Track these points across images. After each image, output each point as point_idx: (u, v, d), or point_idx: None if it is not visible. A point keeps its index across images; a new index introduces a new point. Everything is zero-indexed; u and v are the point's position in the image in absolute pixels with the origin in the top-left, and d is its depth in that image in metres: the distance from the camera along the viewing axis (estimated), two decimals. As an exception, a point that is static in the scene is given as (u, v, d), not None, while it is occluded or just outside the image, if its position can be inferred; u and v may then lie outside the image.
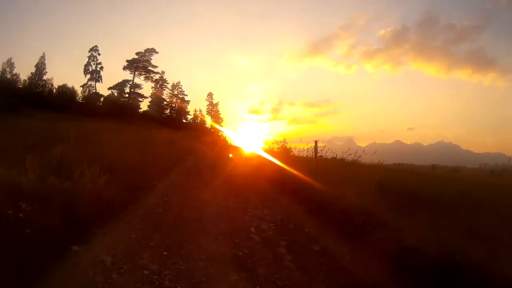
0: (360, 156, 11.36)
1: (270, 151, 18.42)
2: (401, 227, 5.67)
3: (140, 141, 17.89)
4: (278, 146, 18.01)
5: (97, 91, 62.00)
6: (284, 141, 17.42)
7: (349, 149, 12.02)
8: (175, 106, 68.42)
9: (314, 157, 11.88)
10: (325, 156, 12.71)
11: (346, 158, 12.40)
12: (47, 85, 56.33)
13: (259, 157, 18.97)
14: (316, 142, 11.99)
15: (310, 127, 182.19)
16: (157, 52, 66.59)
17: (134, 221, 6.46)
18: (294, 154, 16.64)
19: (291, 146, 17.10)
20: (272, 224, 7.19)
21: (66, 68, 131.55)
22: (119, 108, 55.57)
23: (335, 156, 12.63)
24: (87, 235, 5.37)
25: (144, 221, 6.55)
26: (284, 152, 16.67)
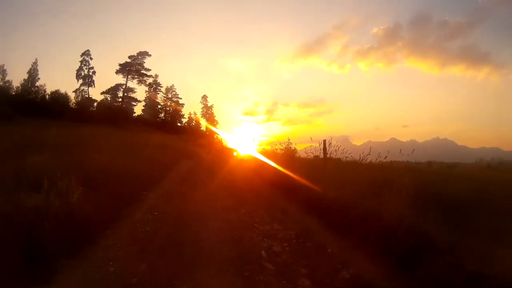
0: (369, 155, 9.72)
1: (272, 153, 17.04)
2: (456, 245, 4.43)
3: (132, 146, 16.47)
4: (281, 147, 16.18)
5: (90, 96, 60.85)
6: (289, 142, 15.60)
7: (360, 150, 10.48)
8: (170, 109, 67.33)
9: (323, 158, 10.70)
10: (336, 157, 11.06)
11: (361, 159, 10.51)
12: (40, 92, 54.96)
13: (259, 160, 17.75)
14: (324, 141, 10.71)
15: (305, 127, 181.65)
16: (150, 55, 64.50)
17: (115, 246, 5.16)
18: (300, 156, 15.35)
19: (296, 147, 15.80)
20: (286, 244, 5.94)
21: (59, 73, 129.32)
22: (113, 112, 54.30)
23: (349, 155, 10.76)
24: (51, 271, 4.09)
25: (128, 245, 5.25)
26: (288, 154, 15.12)
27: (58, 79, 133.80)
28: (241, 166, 19.34)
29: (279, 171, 12.36)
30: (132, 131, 29.89)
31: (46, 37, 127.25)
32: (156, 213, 7.37)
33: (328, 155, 10.75)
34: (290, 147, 15.43)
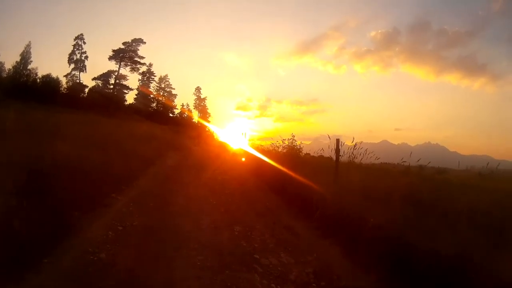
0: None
1: (270, 150, 15.05)
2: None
3: (114, 135, 15.27)
4: (283, 143, 13.79)
5: (81, 81, 57.77)
6: (293, 138, 13.30)
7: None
8: (162, 99, 66.29)
9: (335, 161, 8.90)
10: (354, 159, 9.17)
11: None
12: (32, 75, 52.19)
13: (253, 156, 16.29)
14: (338, 141, 9.02)
15: (297, 125, 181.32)
16: (145, 43, 62.12)
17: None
18: (306, 154, 13.92)
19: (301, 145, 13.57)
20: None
21: (52, 57, 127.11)
22: (104, 100, 51.50)
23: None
24: None
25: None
26: (292, 153, 12.84)
27: (51, 63, 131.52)
28: (233, 162, 17.67)
29: (281, 172, 10.57)
30: (121, 120, 29.03)
31: (41, 19, 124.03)
32: (120, 227, 5.51)
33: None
34: (294, 145, 13.16)
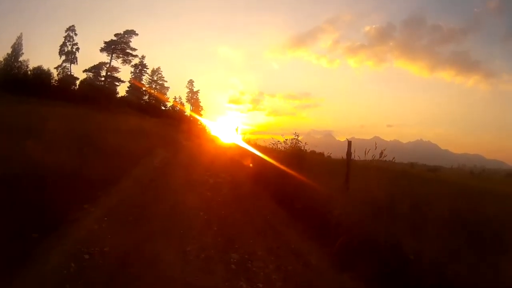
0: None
1: (271, 150, 13.62)
2: None
3: (100, 130, 14.10)
4: (286, 142, 12.20)
5: (72, 73, 56.93)
6: (297, 136, 11.79)
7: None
8: (154, 92, 65.48)
9: (347, 166, 7.85)
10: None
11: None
12: (23, 67, 51.84)
13: (247, 152, 15.39)
14: (349, 143, 8.12)
15: (289, 119, 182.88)
16: (137, 34, 61.58)
17: None
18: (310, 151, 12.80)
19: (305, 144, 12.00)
20: None
21: (43, 48, 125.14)
22: (95, 92, 51.18)
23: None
24: None
25: None
26: (296, 153, 11.33)
27: (42, 55, 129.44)
28: (226, 160, 16.24)
29: (283, 175, 9.50)
30: (111, 113, 28.29)
31: (33, 9, 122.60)
32: (87, 255, 4.36)
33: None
34: (298, 144, 11.71)
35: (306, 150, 11.84)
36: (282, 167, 9.87)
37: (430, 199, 6.38)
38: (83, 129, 12.97)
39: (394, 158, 7.91)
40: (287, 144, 12.05)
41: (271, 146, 13.80)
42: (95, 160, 8.82)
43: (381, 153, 7.28)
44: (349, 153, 7.93)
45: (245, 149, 17.03)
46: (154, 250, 4.81)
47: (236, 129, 21.40)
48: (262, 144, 19.25)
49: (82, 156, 8.58)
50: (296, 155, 10.86)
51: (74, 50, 57.48)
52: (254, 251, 5.28)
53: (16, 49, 52.51)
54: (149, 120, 32.87)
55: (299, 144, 11.67)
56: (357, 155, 7.96)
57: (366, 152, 7.50)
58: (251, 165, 13.42)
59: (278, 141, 12.69)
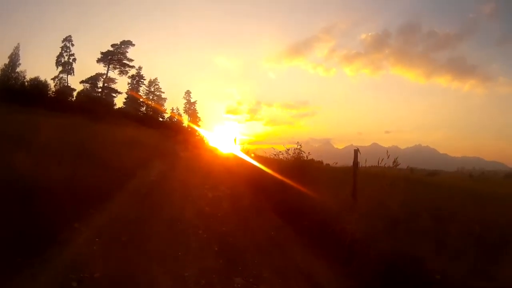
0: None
1: (271, 160, 13.29)
2: None
3: (95, 142, 13.49)
4: (288, 152, 11.70)
5: (69, 84, 56.59)
6: (299, 147, 11.21)
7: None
8: (152, 103, 65.27)
9: (353, 176, 7.27)
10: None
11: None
12: (20, 78, 51.17)
13: (246, 163, 14.96)
14: (356, 152, 7.53)
15: (287, 128, 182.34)
16: (134, 45, 61.78)
17: None
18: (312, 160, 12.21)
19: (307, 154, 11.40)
20: None
21: (40, 59, 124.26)
22: (92, 103, 50.41)
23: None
24: None
25: None
26: (299, 164, 10.68)
27: (39, 65, 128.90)
28: (225, 172, 15.57)
29: (285, 187, 9.09)
30: (108, 124, 27.82)
31: (30, 20, 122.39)
32: (75, 283, 3.92)
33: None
34: (301, 155, 11.13)
35: (308, 159, 11.42)
36: (284, 179, 9.44)
37: (449, 208, 5.96)
38: (77, 140, 12.21)
39: (395, 161, 7.31)
40: (288, 154, 11.61)
41: (271, 156, 13.42)
42: (88, 173, 8.28)
43: (394, 161, 6.98)
44: (355, 163, 7.42)
45: (244, 160, 16.61)
46: (149, 275, 4.34)
47: (235, 140, 21.04)
48: (262, 154, 18.79)
49: (74, 168, 7.98)
50: (298, 166, 10.37)
51: (71, 60, 57.19)
52: (260, 273, 4.78)
53: (14, 60, 52.28)
54: (146, 131, 32.53)
55: (301, 154, 11.21)
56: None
57: (380, 161, 7.16)
58: (250, 176, 12.84)
59: (280, 152, 12.34)
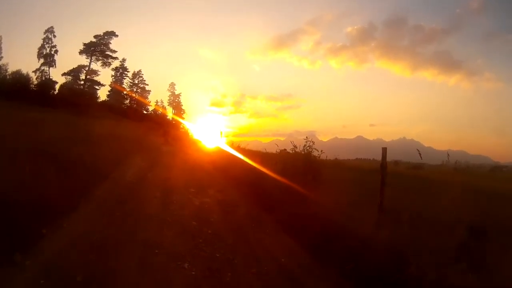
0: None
1: (268, 157, 11.93)
2: None
3: (67, 138, 12.08)
4: (294, 149, 9.76)
5: (50, 77, 56.58)
6: (310, 143, 9.35)
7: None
8: (135, 96, 64.37)
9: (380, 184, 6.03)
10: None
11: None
12: (2, 71, 51.40)
13: (235, 159, 13.69)
14: (384, 150, 6.18)
15: (271, 120, 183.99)
16: (117, 36, 61.16)
17: None
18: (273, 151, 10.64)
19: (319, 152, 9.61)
20: None
21: (21, 51, 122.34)
22: (75, 96, 50.38)
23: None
24: None
25: None
26: (309, 164, 8.86)
27: (20, 58, 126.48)
28: (212, 169, 14.04)
29: (290, 192, 7.55)
30: (91, 118, 27.04)
31: (12, 10, 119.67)
32: None
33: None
34: (310, 151, 9.31)
35: (319, 157, 9.47)
36: (291, 183, 7.86)
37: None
38: (45, 137, 11.20)
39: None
40: (294, 149, 9.75)
41: (266, 150, 12.20)
42: (51, 177, 6.80)
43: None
44: (384, 165, 6.07)
45: (233, 155, 15.44)
46: None
47: (220, 133, 20.25)
48: (246, 146, 17.74)
49: (33, 172, 6.56)
50: (309, 166, 8.65)
51: (52, 52, 57.29)
52: None
53: (-5, 53, 51.51)
54: (129, 124, 31.67)
55: (310, 150, 9.37)
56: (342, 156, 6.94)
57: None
58: (244, 176, 11.04)
59: (284, 149, 10.50)
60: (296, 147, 9.62)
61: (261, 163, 10.72)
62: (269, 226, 6.72)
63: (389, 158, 7.45)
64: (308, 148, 9.34)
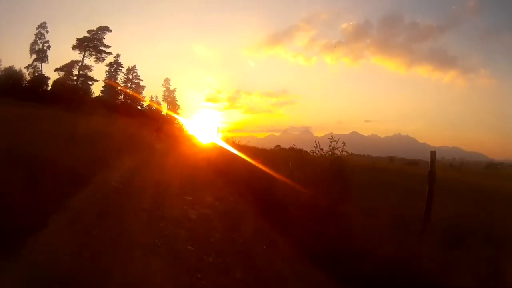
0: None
1: (280, 156, 10.35)
2: None
3: (52, 136, 11.14)
4: (319, 151, 8.09)
5: (43, 72, 56.16)
6: (342, 146, 7.67)
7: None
8: (130, 91, 63.69)
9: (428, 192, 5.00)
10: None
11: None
12: None
13: (236, 158, 12.42)
14: (433, 153, 5.14)
15: (266, 116, 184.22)
16: (111, 31, 60.53)
17: None
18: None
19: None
20: None
21: (14, 47, 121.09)
22: (68, 92, 49.89)
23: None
24: None
25: None
26: (339, 172, 7.10)
27: (13, 53, 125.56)
28: (210, 170, 12.74)
29: (312, 205, 6.08)
30: (84, 114, 26.36)
31: (3, 6, 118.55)
32: None
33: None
34: (335, 152, 7.62)
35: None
36: (310, 191, 6.44)
37: None
38: (25, 135, 10.25)
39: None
40: (319, 151, 8.04)
41: (277, 148, 10.85)
42: (17, 186, 5.50)
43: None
44: (433, 172, 4.99)
45: (232, 153, 14.20)
46: None
47: (217, 130, 19.34)
48: (240, 142, 16.78)
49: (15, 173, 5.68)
50: (339, 175, 6.91)
51: (45, 48, 57.25)
52: None
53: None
54: (122, 120, 30.83)
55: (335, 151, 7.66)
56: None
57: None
58: (248, 179, 9.67)
59: (279, 145, 8.79)
60: (322, 148, 7.92)
61: (267, 163, 9.54)
62: (287, 250, 5.33)
63: (384, 154, 6.68)
64: (333, 149, 7.66)
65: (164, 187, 8.98)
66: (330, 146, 7.66)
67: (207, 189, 9.17)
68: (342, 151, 7.58)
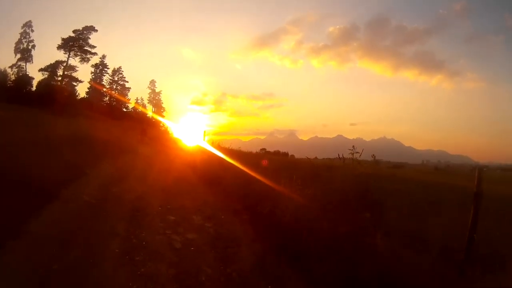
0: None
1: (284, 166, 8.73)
2: None
3: (24, 141, 10.46)
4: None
5: (27, 72, 55.12)
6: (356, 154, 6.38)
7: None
8: (115, 93, 63.22)
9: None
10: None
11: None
12: None
13: (228, 166, 11.01)
14: (480, 171, 4.09)
15: (252, 119, 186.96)
16: (96, 31, 59.88)
17: None
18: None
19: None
20: None
21: (1, 46, 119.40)
22: (52, 93, 48.65)
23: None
24: None
25: None
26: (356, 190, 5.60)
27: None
28: (197, 179, 11.61)
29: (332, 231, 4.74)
30: (66, 116, 25.72)
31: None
32: None
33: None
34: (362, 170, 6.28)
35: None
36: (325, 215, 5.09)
37: None
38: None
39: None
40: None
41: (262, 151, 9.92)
42: None
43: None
44: (479, 194, 3.96)
45: (221, 159, 13.12)
46: None
47: (204, 133, 18.76)
48: (226, 145, 16.15)
49: None
50: (366, 200, 5.54)
51: (30, 47, 56.30)
52: None
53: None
54: (106, 123, 30.30)
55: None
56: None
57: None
58: (243, 192, 8.30)
59: (264, 148, 7.45)
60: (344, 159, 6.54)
61: (261, 172, 8.53)
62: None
63: (369, 157, 6.50)
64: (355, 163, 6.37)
65: (143, 203, 7.63)
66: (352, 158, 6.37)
67: (194, 204, 7.92)
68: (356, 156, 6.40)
